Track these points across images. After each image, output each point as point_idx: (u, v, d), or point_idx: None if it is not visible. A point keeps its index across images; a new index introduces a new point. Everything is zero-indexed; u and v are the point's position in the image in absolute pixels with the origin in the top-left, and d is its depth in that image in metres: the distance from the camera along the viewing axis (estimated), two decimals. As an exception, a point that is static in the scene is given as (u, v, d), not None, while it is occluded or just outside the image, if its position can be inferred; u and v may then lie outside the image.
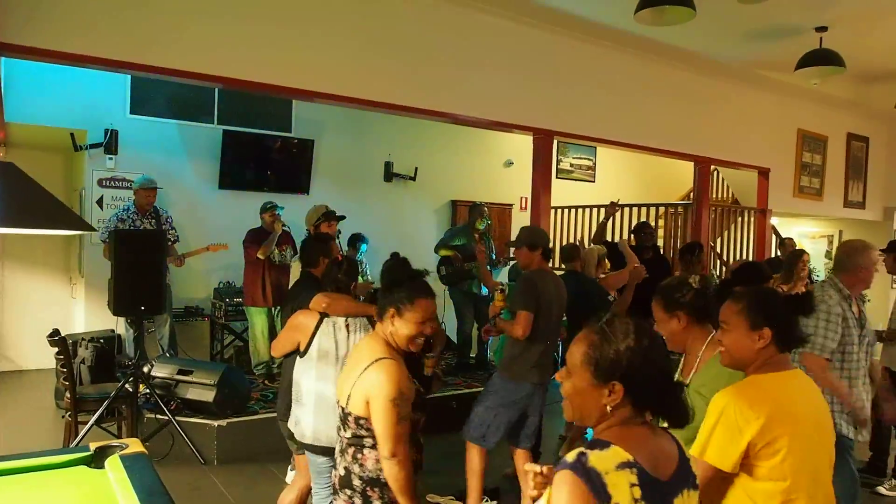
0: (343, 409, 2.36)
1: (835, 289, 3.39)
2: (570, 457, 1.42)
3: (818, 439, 1.97)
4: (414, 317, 2.35)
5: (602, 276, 5.18)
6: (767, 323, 2.01)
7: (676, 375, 2.64)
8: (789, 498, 1.89)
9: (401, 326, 2.36)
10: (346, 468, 2.36)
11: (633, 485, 1.40)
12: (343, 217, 4.95)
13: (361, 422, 2.30)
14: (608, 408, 1.47)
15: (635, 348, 1.46)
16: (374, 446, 2.30)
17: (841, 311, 3.31)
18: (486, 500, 4.22)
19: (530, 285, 3.94)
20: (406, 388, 2.29)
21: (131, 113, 6.94)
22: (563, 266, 5.65)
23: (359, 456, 2.33)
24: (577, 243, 6.06)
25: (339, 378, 2.48)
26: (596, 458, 1.40)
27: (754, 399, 1.91)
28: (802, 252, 5.72)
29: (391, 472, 2.25)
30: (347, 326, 3.12)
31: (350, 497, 2.34)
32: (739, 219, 8.63)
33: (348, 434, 2.34)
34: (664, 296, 2.48)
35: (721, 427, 1.89)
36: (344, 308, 3.11)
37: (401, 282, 2.43)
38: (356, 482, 2.33)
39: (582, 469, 1.38)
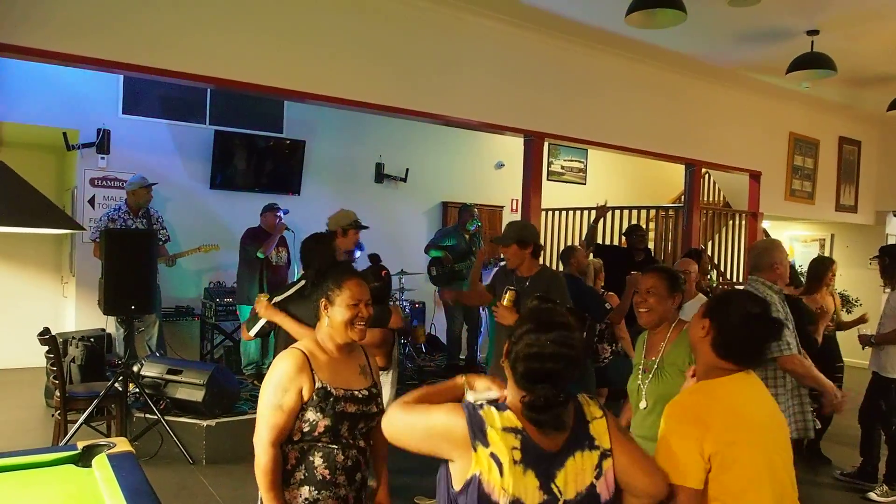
0: None
1: (771, 290, 3.31)
2: (470, 398, 1.69)
3: (774, 441, 1.88)
4: (344, 299, 2.30)
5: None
6: (711, 318, 1.93)
7: (640, 353, 2.88)
8: None
9: (335, 314, 2.30)
10: None
11: (513, 448, 1.56)
12: (367, 227, 4.96)
13: None
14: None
15: (526, 342, 1.61)
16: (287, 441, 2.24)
17: (783, 309, 3.27)
18: None
19: (565, 285, 3.85)
20: (287, 378, 2.20)
21: (123, 113, 6.94)
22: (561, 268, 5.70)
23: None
24: (580, 245, 6.08)
25: None
26: (488, 412, 1.59)
27: (703, 407, 1.83)
28: (831, 261, 5.53)
29: (257, 460, 2.19)
30: None
31: None
32: (730, 222, 8.68)
33: None
34: (671, 278, 2.83)
35: (675, 441, 1.79)
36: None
37: (325, 273, 2.46)
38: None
39: (471, 413, 1.58)
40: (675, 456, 1.77)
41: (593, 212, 8.39)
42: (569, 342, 1.59)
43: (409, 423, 1.65)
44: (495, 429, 1.56)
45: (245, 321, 3.65)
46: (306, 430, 2.22)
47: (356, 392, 2.30)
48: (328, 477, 2.23)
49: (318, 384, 2.23)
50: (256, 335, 3.48)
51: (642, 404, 2.72)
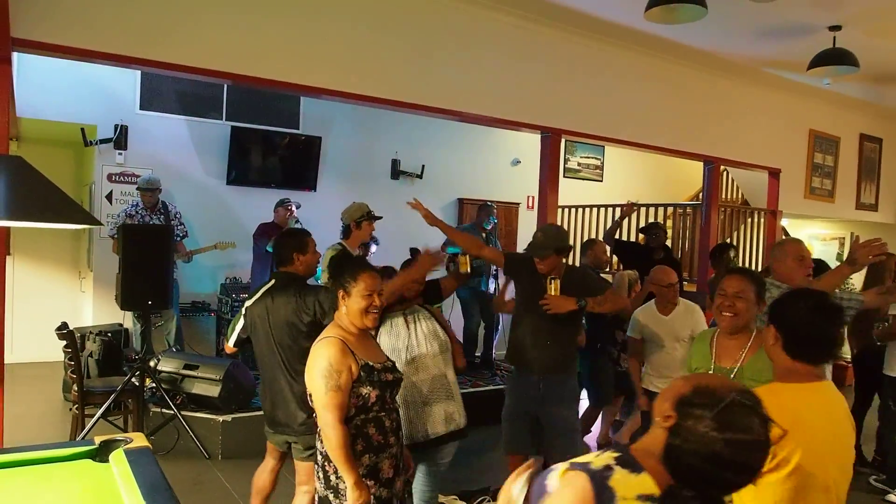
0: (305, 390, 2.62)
1: (779, 288, 3.14)
2: (596, 463, 1.32)
3: (832, 455, 1.84)
4: (360, 290, 2.57)
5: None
6: (775, 323, 1.94)
7: (705, 355, 2.75)
8: None
9: (352, 303, 2.58)
10: (316, 445, 2.66)
11: None
12: (380, 217, 4.95)
13: (311, 401, 2.57)
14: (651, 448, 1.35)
15: (705, 439, 1.27)
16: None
17: None
18: (488, 501, 4.22)
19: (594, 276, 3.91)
20: (336, 361, 2.47)
21: (141, 109, 6.97)
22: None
23: (319, 433, 2.57)
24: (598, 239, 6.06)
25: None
26: (620, 479, 1.28)
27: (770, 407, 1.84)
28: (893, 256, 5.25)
29: (324, 438, 2.48)
30: (406, 323, 3.34)
31: (317, 471, 2.64)
32: (749, 220, 8.58)
33: (311, 412, 2.61)
34: (759, 283, 2.73)
35: None
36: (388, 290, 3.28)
37: (343, 268, 2.69)
38: (319, 457, 2.62)
39: (599, 483, 1.27)
40: None
41: (610, 209, 8.37)
42: (754, 450, 1.30)
43: None
44: (628, 501, 1.28)
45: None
46: (360, 404, 2.52)
47: (385, 363, 2.66)
48: (382, 441, 2.58)
49: (361, 362, 2.54)
50: (235, 345, 3.50)
51: None
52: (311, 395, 2.55)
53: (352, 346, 2.56)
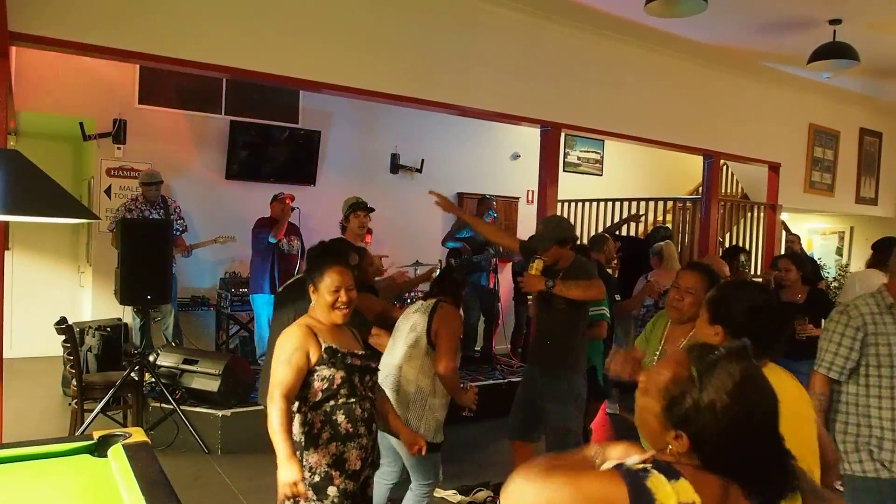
0: None
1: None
2: (633, 465, 1.21)
3: (798, 435, 1.75)
4: (326, 285, 2.55)
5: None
6: (721, 322, 1.96)
7: (657, 340, 2.83)
8: None
9: (319, 298, 2.58)
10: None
11: None
12: (372, 209, 4.95)
13: None
14: (671, 452, 1.25)
15: (721, 410, 1.20)
16: (298, 409, 2.53)
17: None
18: (483, 491, 4.23)
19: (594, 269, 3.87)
20: (294, 342, 2.48)
21: (140, 103, 6.94)
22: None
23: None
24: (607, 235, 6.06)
25: None
26: (657, 483, 1.16)
27: None
28: None
29: (269, 413, 2.42)
30: (416, 311, 3.41)
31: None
32: (749, 214, 8.57)
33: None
34: (712, 277, 2.72)
35: None
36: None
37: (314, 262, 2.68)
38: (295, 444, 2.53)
39: (635, 483, 1.15)
40: None
41: (609, 203, 8.35)
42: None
43: (549, 499, 1.15)
44: None
45: None
46: (325, 387, 2.50)
47: (356, 351, 2.62)
48: (351, 430, 2.53)
49: (324, 345, 2.52)
50: None
51: None
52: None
53: (319, 331, 2.55)
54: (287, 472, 2.33)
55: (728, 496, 1.20)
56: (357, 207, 4.78)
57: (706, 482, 1.19)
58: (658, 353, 2.83)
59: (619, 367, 2.70)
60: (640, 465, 1.19)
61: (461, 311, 3.54)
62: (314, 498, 2.47)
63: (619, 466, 1.20)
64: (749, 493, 1.21)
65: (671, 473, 1.17)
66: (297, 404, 2.51)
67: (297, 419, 2.51)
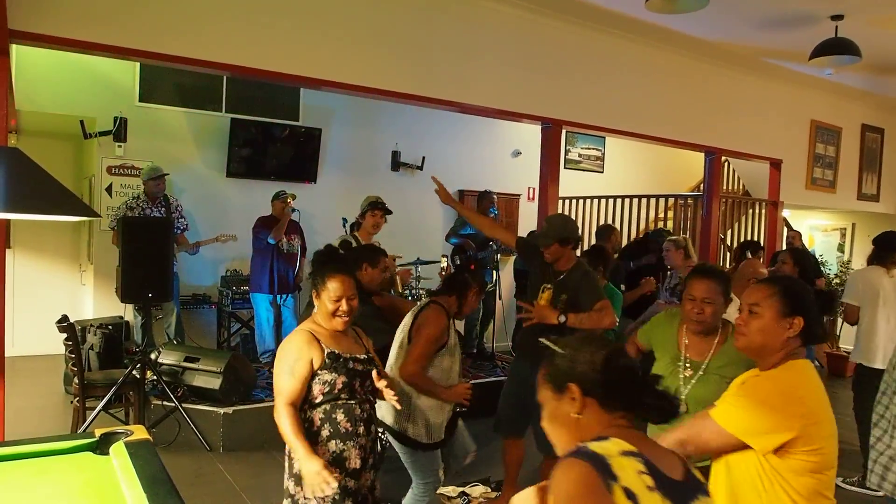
0: None
1: None
2: (574, 449, 1.34)
3: (831, 424, 1.95)
4: (328, 294, 2.59)
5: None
6: (800, 312, 1.96)
7: (674, 345, 2.79)
8: (824, 489, 1.89)
9: (321, 305, 2.62)
10: None
11: (641, 472, 1.29)
12: (389, 212, 5.00)
13: None
14: (574, 415, 1.43)
15: (590, 357, 1.45)
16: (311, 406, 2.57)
17: None
18: (477, 485, 4.24)
19: (597, 283, 3.80)
20: (297, 349, 2.53)
21: (140, 101, 6.94)
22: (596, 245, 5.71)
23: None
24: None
25: None
26: (596, 446, 1.32)
27: (798, 388, 1.90)
28: None
29: (277, 422, 2.50)
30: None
31: (287, 460, 2.62)
32: (750, 211, 8.56)
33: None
34: (727, 283, 2.75)
35: (766, 410, 1.86)
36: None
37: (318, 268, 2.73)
38: (288, 447, 2.58)
39: (584, 453, 1.30)
40: (759, 418, 1.85)
41: (611, 200, 8.35)
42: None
43: None
44: (614, 456, 1.30)
45: None
46: (326, 390, 2.55)
47: (358, 356, 2.66)
48: (350, 428, 2.58)
49: (326, 350, 2.56)
50: None
51: (682, 408, 2.61)
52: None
53: (321, 337, 2.59)
54: (310, 466, 2.40)
55: (651, 442, 1.44)
56: (375, 206, 4.84)
57: (628, 436, 1.36)
58: (681, 361, 2.71)
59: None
60: (582, 444, 1.34)
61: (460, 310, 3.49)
62: (316, 495, 2.47)
63: (569, 454, 1.33)
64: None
65: (600, 438, 1.35)
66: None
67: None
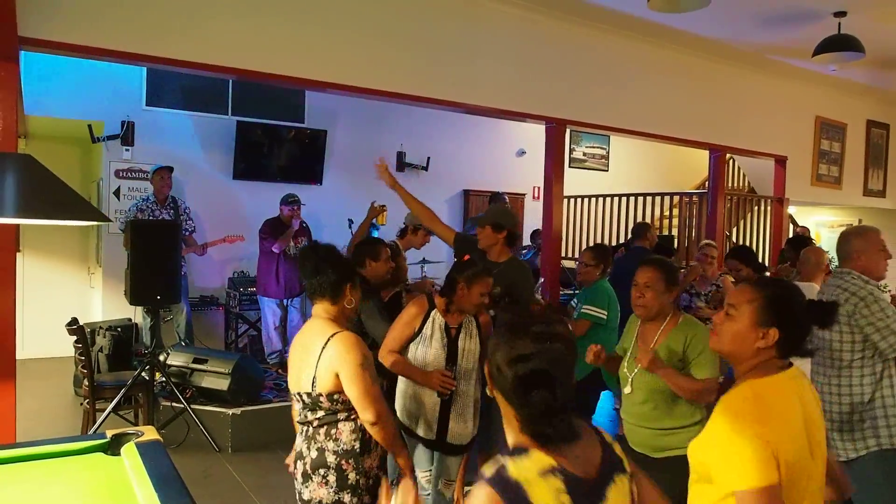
0: (309, 394, 2.45)
1: (868, 283, 3.05)
2: (489, 469, 1.34)
3: (807, 441, 1.76)
4: (356, 293, 2.61)
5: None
6: (779, 324, 1.78)
7: (632, 339, 2.95)
8: None
9: (347, 300, 2.57)
10: (319, 448, 2.47)
11: (560, 491, 1.30)
12: (428, 234, 5.16)
13: (335, 396, 2.43)
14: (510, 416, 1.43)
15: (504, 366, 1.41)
16: (348, 418, 2.46)
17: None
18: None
19: (531, 278, 3.92)
20: (368, 353, 2.47)
21: (147, 105, 7.00)
22: (631, 243, 5.71)
23: (333, 432, 2.46)
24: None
25: (294, 369, 2.54)
26: (516, 468, 1.30)
27: (763, 415, 1.69)
28: None
29: (379, 433, 2.43)
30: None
31: (324, 475, 2.45)
32: (756, 208, 8.55)
33: (320, 415, 2.45)
34: (669, 271, 2.86)
35: (750, 451, 1.63)
36: None
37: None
38: (330, 458, 2.45)
39: (498, 480, 1.29)
40: (749, 457, 1.61)
41: (616, 199, 8.36)
42: (549, 335, 1.40)
43: None
44: (532, 481, 1.30)
45: None
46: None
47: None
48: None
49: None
50: None
51: (627, 389, 2.85)
52: (336, 393, 2.43)
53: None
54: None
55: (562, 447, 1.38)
56: (417, 228, 4.99)
57: (548, 448, 1.34)
58: (632, 349, 2.91)
59: (593, 359, 2.85)
60: (496, 466, 1.32)
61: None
62: (369, 501, 2.50)
63: (481, 478, 1.32)
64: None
65: (520, 452, 1.33)
66: (346, 413, 2.46)
67: (347, 427, 2.46)
